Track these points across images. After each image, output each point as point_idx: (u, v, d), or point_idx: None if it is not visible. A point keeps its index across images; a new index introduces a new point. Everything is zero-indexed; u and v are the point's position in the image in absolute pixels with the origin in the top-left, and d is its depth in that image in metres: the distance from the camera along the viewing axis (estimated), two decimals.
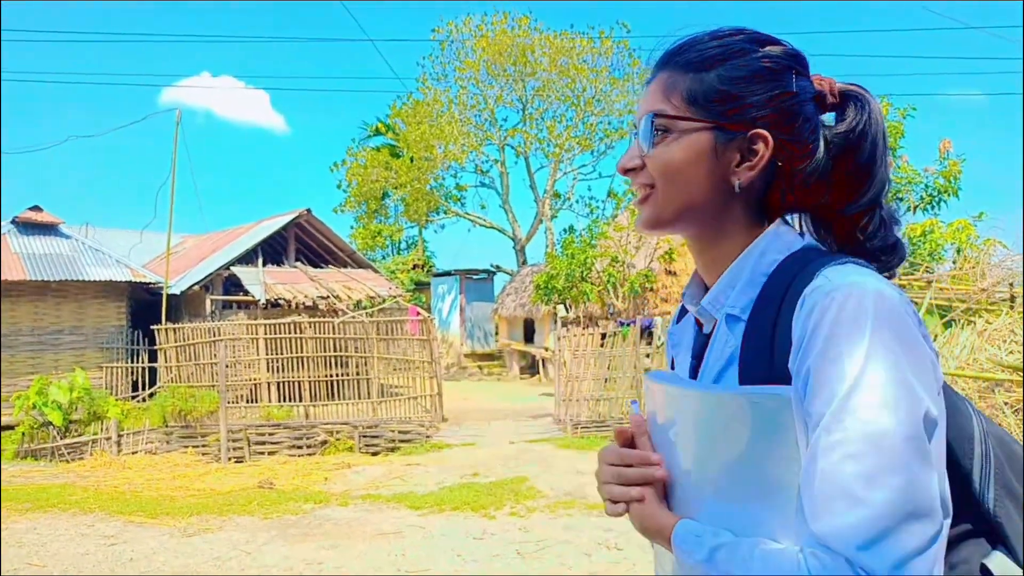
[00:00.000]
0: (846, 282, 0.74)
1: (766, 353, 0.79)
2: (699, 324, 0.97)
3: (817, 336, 0.72)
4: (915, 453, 0.67)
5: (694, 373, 0.94)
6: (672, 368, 1.05)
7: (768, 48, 0.88)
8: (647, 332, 11.73)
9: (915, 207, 11.97)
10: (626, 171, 0.92)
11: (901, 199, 12.06)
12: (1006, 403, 6.68)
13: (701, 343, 0.95)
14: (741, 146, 0.86)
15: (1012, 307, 8.40)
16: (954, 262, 10.96)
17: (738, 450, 0.76)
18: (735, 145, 0.86)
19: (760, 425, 0.74)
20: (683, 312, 1.07)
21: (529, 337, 20.35)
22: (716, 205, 0.88)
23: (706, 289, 0.94)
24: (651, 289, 14.87)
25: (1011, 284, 9.14)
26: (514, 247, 25.30)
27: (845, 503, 0.66)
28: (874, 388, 0.68)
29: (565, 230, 21.83)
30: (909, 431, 0.67)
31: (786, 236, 0.89)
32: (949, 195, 11.72)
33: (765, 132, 0.85)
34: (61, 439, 10.60)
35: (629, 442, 0.92)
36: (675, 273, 15.63)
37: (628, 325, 11.54)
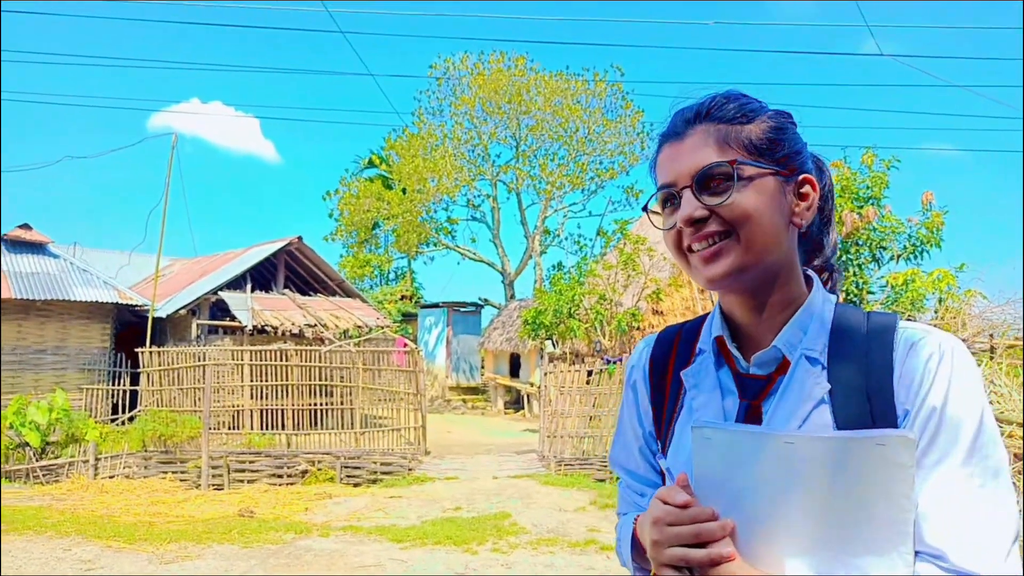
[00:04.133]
0: (942, 334, 0.87)
1: (861, 394, 0.86)
2: (729, 364, 0.97)
3: (940, 379, 0.83)
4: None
5: (749, 414, 0.92)
6: (676, 408, 1.02)
7: (772, 108, 0.98)
8: None
9: (898, 256, 12.21)
10: (693, 222, 0.90)
11: (885, 248, 12.30)
12: None
13: (755, 385, 0.94)
14: (795, 190, 0.94)
15: (992, 358, 8.54)
16: (936, 312, 11.14)
17: (858, 493, 0.77)
18: (791, 189, 0.94)
19: (882, 466, 0.77)
20: (665, 352, 1.07)
21: (515, 372, 20.33)
22: (787, 249, 0.93)
23: (735, 331, 0.98)
24: (638, 328, 14.95)
25: (991, 335, 9.31)
26: (503, 281, 25.42)
27: (980, 528, 0.78)
28: (992, 428, 0.81)
29: (554, 266, 21.94)
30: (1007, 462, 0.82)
31: (823, 285, 0.99)
32: (932, 246, 11.97)
33: (811, 176, 0.95)
34: (37, 461, 10.43)
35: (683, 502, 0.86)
36: (662, 312, 15.75)
37: (614, 363, 11.58)
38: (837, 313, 0.94)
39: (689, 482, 0.87)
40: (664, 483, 1.05)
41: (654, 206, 0.99)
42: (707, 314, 1.08)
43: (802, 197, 0.94)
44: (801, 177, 0.95)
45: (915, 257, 12.11)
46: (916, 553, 0.79)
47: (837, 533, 0.78)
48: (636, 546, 1.01)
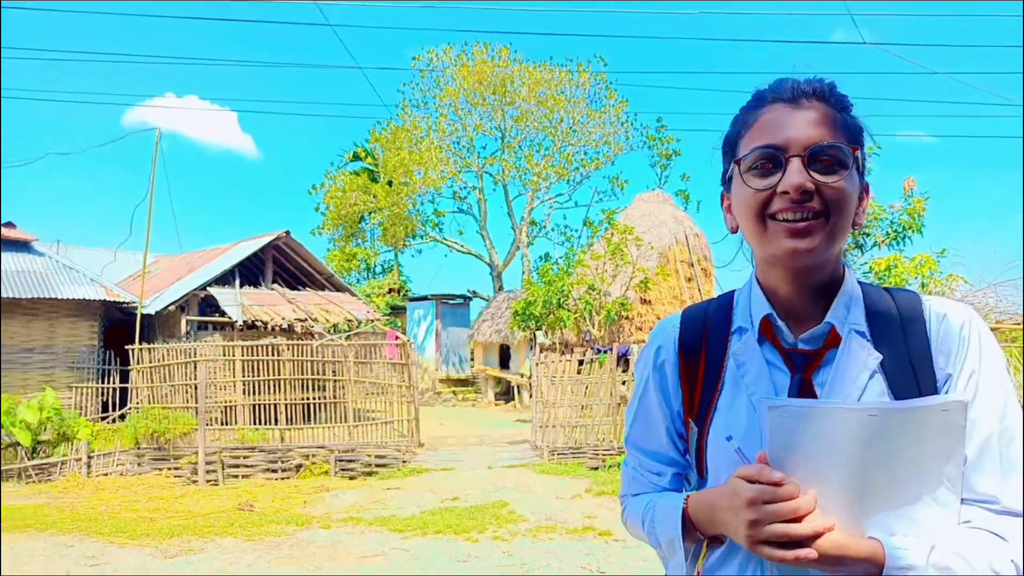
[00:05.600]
0: (961, 305, 0.98)
1: (906, 363, 0.96)
2: (773, 342, 1.02)
3: (973, 345, 0.94)
4: None
5: (802, 388, 0.97)
6: (717, 386, 1.05)
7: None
8: (623, 359, 11.91)
9: (881, 242, 12.41)
10: (802, 192, 0.92)
11: (868, 235, 12.50)
12: None
13: (803, 360, 0.99)
14: (859, 192, 1.00)
15: None
16: None
17: (924, 454, 0.86)
18: (859, 189, 0.99)
19: (944, 428, 0.86)
20: (696, 332, 1.10)
21: (504, 363, 20.42)
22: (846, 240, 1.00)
23: (777, 310, 1.02)
24: (627, 317, 15.10)
25: None
26: (491, 273, 25.47)
27: (1020, 475, 0.90)
28: (1011, 384, 0.93)
29: (541, 257, 22.11)
30: None
31: None
32: (913, 231, 12.18)
33: (869, 183, 1.01)
34: (29, 460, 10.39)
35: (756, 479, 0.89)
36: (650, 302, 15.90)
37: (605, 352, 11.71)
38: (865, 291, 1.03)
39: (767, 460, 0.89)
40: (695, 462, 1.08)
41: (746, 162, 0.99)
42: (729, 294, 1.14)
43: (860, 199, 1.00)
44: (866, 182, 1.01)
45: (897, 243, 12.31)
46: (963, 501, 0.89)
47: (898, 492, 0.87)
48: (684, 526, 1.03)
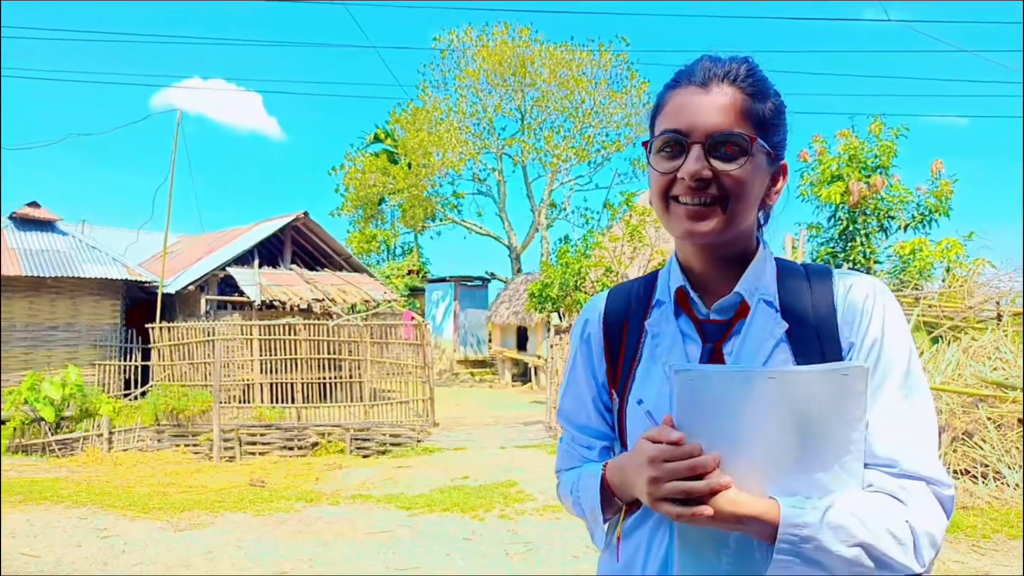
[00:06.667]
0: (871, 278, 1.00)
1: (811, 332, 0.97)
2: (688, 314, 1.05)
3: (876, 315, 0.95)
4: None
5: (712, 356, 1.00)
6: (636, 357, 1.08)
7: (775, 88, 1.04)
8: None
9: (906, 226, 12.13)
10: (698, 179, 0.95)
11: (893, 217, 12.22)
12: (989, 418, 6.77)
13: (715, 330, 1.02)
14: (773, 173, 1.02)
15: (998, 325, 8.52)
16: (943, 280, 11.09)
17: (828, 420, 0.86)
18: (771, 172, 1.02)
19: (846, 394, 0.85)
20: (620, 306, 1.13)
21: (522, 345, 20.43)
22: (754, 219, 1.02)
23: (692, 282, 1.05)
24: None
25: (998, 303, 9.27)
26: (509, 255, 25.42)
27: (920, 439, 0.91)
28: (916, 352, 0.95)
29: (560, 239, 21.87)
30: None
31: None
32: (940, 214, 11.89)
33: (787, 164, 1.03)
34: (52, 435, 10.62)
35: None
36: None
37: None
38: (780, 264, 1.06)
39: (673, 422, 0.90)
40: (618, 432, 1.10)
41: (655, 143, 1.01)
42: (657, 271, 1.16)
43: (775, 181, 1.03)
44: (781, 163, 1.03)
45: (923, 226, 12.03)
46: (865, 465, 0.89)
47: (802, 456, 0.87)
48: (604, 494, 1.05)
